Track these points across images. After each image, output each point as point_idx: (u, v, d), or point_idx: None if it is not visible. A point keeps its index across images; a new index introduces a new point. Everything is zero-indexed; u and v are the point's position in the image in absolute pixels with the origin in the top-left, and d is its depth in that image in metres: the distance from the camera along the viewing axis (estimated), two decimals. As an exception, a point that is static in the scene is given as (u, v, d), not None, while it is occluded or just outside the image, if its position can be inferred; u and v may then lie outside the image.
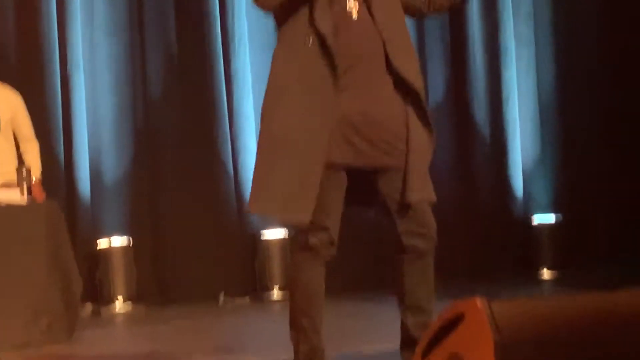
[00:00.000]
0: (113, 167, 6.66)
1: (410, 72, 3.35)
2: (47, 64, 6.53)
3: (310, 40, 3.24)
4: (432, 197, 3.33)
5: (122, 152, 6.67)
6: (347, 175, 3.33)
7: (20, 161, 5.71)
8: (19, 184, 5.31)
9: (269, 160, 3.29)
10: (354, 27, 3.30)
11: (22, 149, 5.74)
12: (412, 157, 3.30)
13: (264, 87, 6.63)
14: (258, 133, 6.52)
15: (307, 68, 3.26)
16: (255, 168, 3.33)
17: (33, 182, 5.55)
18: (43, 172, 5.80)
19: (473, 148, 7.18)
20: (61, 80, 6.53)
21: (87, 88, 6.58)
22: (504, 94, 7.15)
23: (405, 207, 3.30)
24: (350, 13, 3.32)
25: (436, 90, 7.05)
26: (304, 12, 3.28)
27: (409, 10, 3.50)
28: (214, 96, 6.75)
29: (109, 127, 6.66)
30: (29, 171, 5.41)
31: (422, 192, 3.30)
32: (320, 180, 3.22)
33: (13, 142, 5.72)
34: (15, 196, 5.29)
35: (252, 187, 3.34)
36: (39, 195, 5.56)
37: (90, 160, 6.59)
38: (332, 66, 3.24)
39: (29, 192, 5.34)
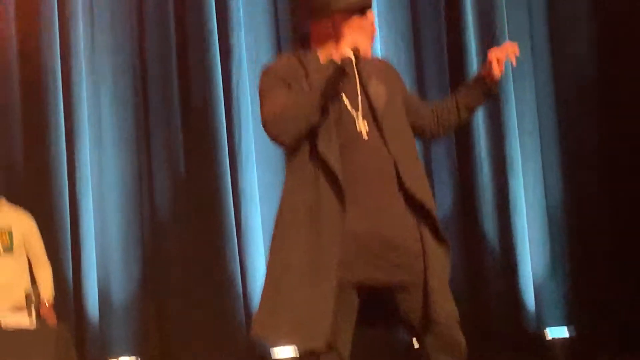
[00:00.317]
0: (121, 287, 6.64)
1: (422, 191, 3.37)
2: (56, 184, 6.56)
3: (316, 169, 3.27)
4: (457, 314, 3.32)
5: (130, 272, 6.66)
6: (359, 296, 3.32)
7: (33, 283, 5.72)
8: (28, 308, 5.30)
9: (277, 286, 3.28)
10: (364, 147, 3.32)
11: (34, 271, 5.77)
12: (430, 273, 3.29)
13: (271, 202, 6.76)
14: (267, 251, 6.58)
15: (315, 193, 3.27)
16: (262, 292, 3.31)
17: (45, 305, 5.56)
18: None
19: (482, 260, 7.14)
20: (69, 201, 6.56)
21: (95, 208, 6.60)
22: (512, 205, 7.15)
23: (431, 323, 3.28)
24: (360, 133, 3.35)
25: (443, 203, 7.05)
26: (312, 136, 3.31)
27: (416, 131, 3.54)
28: (222, 213, 6.76)
29: (117, 247, 6.67)
30: (38, 295, 5.42)
31: (447, 309, 3.29)
32: (334, 304, 3.20)
33: (25, 265, 5.77)
34: (24, 320, 5.27)
35: (258, 312, 3.31)
36: (51, 318, 5.58)
37: (99, 281, 6.57)
38: (339, 188, 3.25)
39: (39, 315, 5.33)
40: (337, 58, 3.28)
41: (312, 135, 3.29)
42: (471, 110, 3.60)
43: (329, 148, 3.28)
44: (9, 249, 5.72)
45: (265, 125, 3.29)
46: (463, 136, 7.15)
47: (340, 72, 3.26)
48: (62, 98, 6.63)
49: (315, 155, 3.28)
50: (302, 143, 3.29)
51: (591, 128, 7.32)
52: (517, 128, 7.17)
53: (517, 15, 7.34)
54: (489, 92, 3.54)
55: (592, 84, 7.35)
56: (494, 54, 3.45)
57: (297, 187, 3.33)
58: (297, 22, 3.46)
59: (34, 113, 6.66)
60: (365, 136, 3.33)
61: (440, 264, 3.33)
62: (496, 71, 3.44)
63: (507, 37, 7.17)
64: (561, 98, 7.38)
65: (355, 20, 3.40)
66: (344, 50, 3.26)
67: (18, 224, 5.77)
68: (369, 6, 3.45)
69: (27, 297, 5.33)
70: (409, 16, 7.11)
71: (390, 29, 6.98)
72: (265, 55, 6.93)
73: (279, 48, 6.92)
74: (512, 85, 7.17)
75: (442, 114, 3.56)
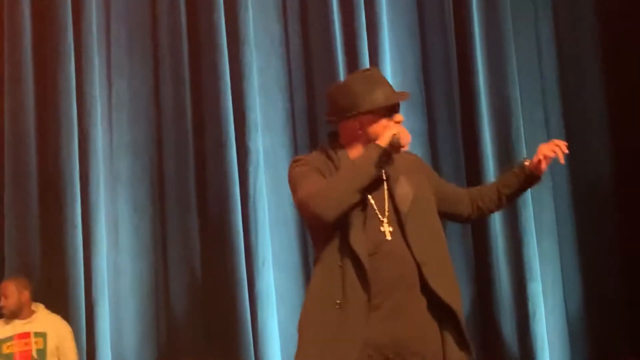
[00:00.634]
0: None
1: (447, 291, 3.35)
2: (73, 289, 6.54)
3: (345, 262, 3.27)
4: None
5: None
6: None
7: None
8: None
9: None
10: (388, 248, 3.33)
11: None
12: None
13: (287, 306, 6.70)
14: (284, 355, 6.50)
15: (342, 289, 3.28)
16: None
17: None
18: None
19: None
20: (86, 307, 6.53)
21: (111, 314, 6.57)
22: (530, 310, 7.07)
23: None
24: (384, 234, 3.35)
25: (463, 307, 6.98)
26: (341, 231, 3.32)
27: (451, 217, 3.57)
28: (237, 317, 6.71)
29: (132, 354, 6.61)
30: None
31: None
32: None
33: None
34: None
35: None
36: None
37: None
38: (366, 287, 3.24)
39: None
40: (382, 142, 3.35)
41: (343, 227, 3.32)
42: (512, 198, 3.70)
43: (359, 242, 3.31)
44: (42, 353, 5.76)
45: (305, 203, 3.30)
46: (480, 239, 7.13)
47: (385, 154, 3.34)
48: (80, 201, 6.64)
49: (344, 249, 3.31)
50: (335, 235, 3.31)
51: (609, 229, 7.29)
52: (534, 231, 7.14)
53: (533, 114, 7.38)
54: (533, 183, 3.65)
55: (608, 184, 7.35)
56: (542, 150, 3.55)
57: (325, 278, 3.33)
58: (324, 121, 3.53)
59: (52, 216, 6.67)
60: (388, 236, 3.35)
61: None
62: (543, 167, 3.56)
63: (524, 136, 7.20)
64: (579, 199, 7.38)
65: (383, 122, 3.43)
66: (390, 134, 3.36)
67: (53, 330, 5.89)
68: (397, 109, 3.49)
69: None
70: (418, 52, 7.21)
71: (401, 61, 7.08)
72: (282, 157, 6.97)
73: (295, 151, 6.96)
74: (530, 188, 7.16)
75: (481, 201, 3.64)
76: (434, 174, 3.63)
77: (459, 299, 3.40)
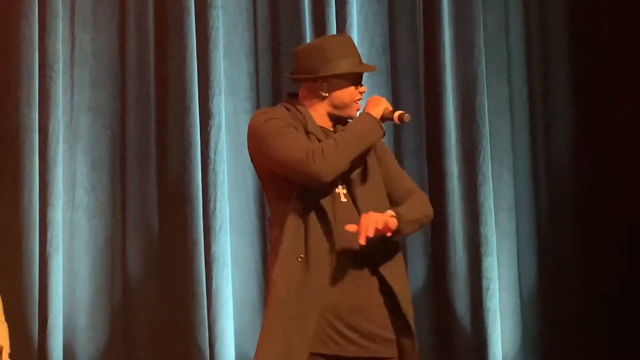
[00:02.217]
0: (87, 351, 6.56)
1: (389, 267, 3.40)
2: (26, 242, 6.50)
3: (309, 219, 3.33)
4: None
5: (96, 336, 6.59)
6: None
7: None
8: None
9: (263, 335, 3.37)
10: (343, 210, 3.36)
11: None
12: (406, 346, 3.31)
13: (243, 269, 6.70)
14: (236, 318, 6.52)
15: (305, 245, 3.37)
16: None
17: None
18: (16, 352, 5.73)
19: (452, 339, 7.11)
20: (40, 261, 6.50)
21: (64, 270, 6.54)
22: (484, 284, 7.12)
23: None
24: (339, 195, 3.38)
25: (416, 279, 7.02)
26: (305, 189, 3.35)
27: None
28: (193, 280, 6.71)
29: (85, 311, 6.60)
30: (1, 352, 5.37)
31: None
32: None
33: None
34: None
35: None
36: None
37: (65, 343, 6.49)
38: (331, 243, 3.27)
39: None
40: (375, 113, 3.45)
41: (305, 188, 3.37)
42: None
43: (325, 199, 3.38)
44: None
45: (301, 161, 3.34)
46: (438, 212, 7.15)
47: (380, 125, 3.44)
48: (38, 156, 6.59)
49: (309, 206, 3.37)
50: (299, 192, 3.32)
51: (568, 208, 7.35)
52: (493, 206, 7.18)
53: (498, 90, 7.40)
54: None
55: (569, 163, 7.39)
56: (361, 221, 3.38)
57: (289, 233, 3.38)
58: (285, 80, 3.55)
59: (8, 170, 6.61)
60: (343, 198, 3.37)
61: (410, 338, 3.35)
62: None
63: (487, 112, 7.22)
64: (539, 177, 7.42)
65: (351, 89, 3.46)
66: (383, 107, 3.50)
67: None
68: (361, 79, 3.59)
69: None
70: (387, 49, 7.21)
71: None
72: (244, 122, 6.94)
73: (258, 115, 6.93)
74: (490, 164, 7.20)
75: None
76: (387, 154, 3.64)
77: (404, 278, 3.44)
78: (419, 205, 3.52)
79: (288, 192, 3.34)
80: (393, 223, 3.31)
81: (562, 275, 7.28)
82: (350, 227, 3.26)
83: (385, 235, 3.32)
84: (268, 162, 3.36)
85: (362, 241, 3.22)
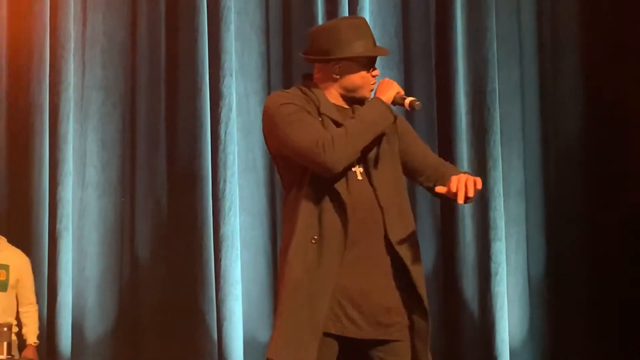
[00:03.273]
0: (95, 328, 6.60)
1: (406, 246, 3.40)
2: (36, 221, 6.53)
3: (323, 200, 3.33)
4: None
5: (105, 314, 6.62)
6: (340, 348, 3.38)
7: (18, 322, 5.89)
8: (0, 341, 5.33)
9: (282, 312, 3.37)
10: (359, 188, 3.36)
11: (22, 311, 5.88)
12: (418, 335, 3.32)
13: (252, 249, 6.71)
14: (244, 298, 6.52)
15: (319, 226, 3.35)
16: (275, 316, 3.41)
17: (31, 346, 5.81)
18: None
19: (460, 322, 7.12)
20: (49, 239, 6.52)
21: (74, 248, 6.56)
22: (493, 269, 7.12)
23: None
24: (356, 174, 3.39)
25: (425, 262, 7.01)
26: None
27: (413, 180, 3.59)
28: (202, 260, 6.72)
29: (94, 289, 6.63)
30: (9, 329, 5.45)
31: None
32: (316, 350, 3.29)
33: (15, 304, 5.81)
34: (-2, 353, 5.30)
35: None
36: (35, 359, 5.66)
37: (73, 321, 6.52)
38: (345, 224, 3.26)
39: (9, 351, 5.34)
40: (386, 98, 3.44)
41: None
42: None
43: (339, 184, 3.38)
44: (4, 285, 5.79)
45: (311, 151, 3.33)
46: (448, 197, 7.14)
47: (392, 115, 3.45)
48: (48, 135, 6.60)
49: (323, 186, 3.36)
50: (306, 176, 3.32)
51: (577, 193, 7.34)
52: (502, 191, 7.17)
53: (509, 75, 7.38)
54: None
55: (580, 148, 7.38)
56: (451, 185, 3.37)
57: (303, 214, 3.38)
58: (297, 60, 3.54)
59: (19, 148, 6.63)
60: (360, 177, 3.38)
61: (422, 323, 3.36)
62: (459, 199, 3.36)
63: (498, 97, 7.21)
64: (548, 162, 7.41)
65: (362, 73, 3.46)
66: (394, 92, 3.47)
67: (16, 264, 5.91)
68: (374, 63, 3.56)
69: (-1, 327, 5.39)
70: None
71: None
72: (255, 103, 6.95)
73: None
74: (501, 148, 7.18)
75: (438, 181, 3.57)
76: (410, 133, 3.64)
77: (418, 256, 3.45)
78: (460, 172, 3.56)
79: (301, 174, 3.34)
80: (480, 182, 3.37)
81: (570, 260, 7.28)
82: (441, 189, 3.29)
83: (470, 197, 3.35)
84: (281, 147, 3.36)
85: (462, 201, 3.25)
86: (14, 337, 5.85)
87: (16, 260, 5.92)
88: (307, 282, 3.30)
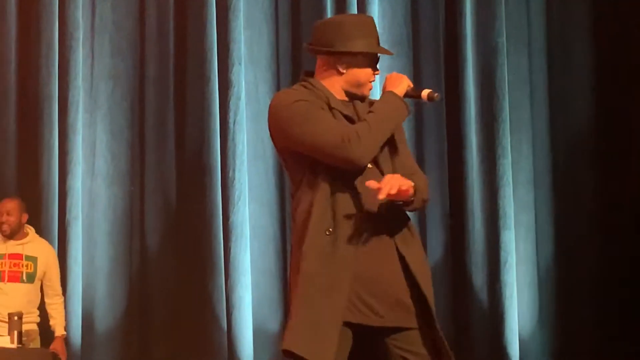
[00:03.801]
0: (105, 317, 6.61)
1: (410, 248, 3.41)
2: (46, 211, 6.54)
3: (336, 190, 3.34)
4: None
5: (115, 303, 6.64)
6: (354, 337, 3.38)
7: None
8: (10, 332, 5.34)
9: (300, 303, 3.36)
10: (369, 176, 3.37)
11: (49, 303, 5.91)
12: (426, 321, 3.37)
13: (261, 239, 6.71)
14: (253, 288, 6.51)
15: (333, 217, 3.35)
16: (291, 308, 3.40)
17: (59, 338, 5.89)
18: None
19: (469, 310, 7.12)
20: (59, 228, 6.54)
21: (84, 237, 6.58)
22: (502, 257, 7.12)
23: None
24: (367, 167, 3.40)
25: (434, 251, 7.03)
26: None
27: None
28: (211, 249, 6.73)
29: (103, 278, 6.65)
30: (20, 318, 5.46)
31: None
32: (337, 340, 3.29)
33: (39, 295, 5.84)
34: (5, 344, 5.30)
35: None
36: (62, 352, 5.71)
37: (83, 310, 6.54)
38: (359, 213, 3.31)
39: (19, 339, 5.35)
40: (399, 91, 3.44)
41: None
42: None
43: (354, 176, 3.37)
44: (31, 277, 5.83)
45: (336, 146, 3.31)
46: (456, 185, 7.15)
47: (407, 107, 3.44)
48: (58, 124, 6.61)
49: (336, 176, 3.35)
50: (319, 172, 3.35)
51: (586, 181, 7.33)
52: (511, 180, 7.16)
53: (518, 63, 7.37)
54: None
55: (588, 136, 7.37)
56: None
57: (318, 206, 3.37)
58: (304, 50, 3.51)
59: (29, 139, 6.64)
60: (369, 164, 3.39)
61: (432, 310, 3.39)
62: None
63: (508, 85, 7.20)
64: (558, 151, 7.40)
65: (368, 70, 3.47)
66: (406, 84, 3.45)
67: (44, 256, 5.95)
68: (377, 63, 3.56)
69: (10, 317, 5.39)
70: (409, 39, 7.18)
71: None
72: (264, 92, 6.94)
73: (278, 85, 6.93)
74: (510, 137, 7.17)
75: None
76: (402, 134, 3.65)
77: (419, 248, 3.46)
78: (424, 187, 3.53)
79: (312, 168, 3.33)
80: (412, 193, 3.33)
81: (580, 249, 7.28)
82: (372, 184, 3.28)
83: (402, 202, 3.34)
84: (296, 145, 3.33)
85: (382, 196, 3.25)
86: (35, 327, 5.88)
87: (44, 252, 5.96)
88: (324, 274, 3.31)
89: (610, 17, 7.35)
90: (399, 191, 3.29)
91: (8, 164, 6.61)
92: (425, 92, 3.50)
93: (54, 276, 5.98)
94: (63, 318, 5.99)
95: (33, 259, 5.89)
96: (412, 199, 3.38)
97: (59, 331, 5.93)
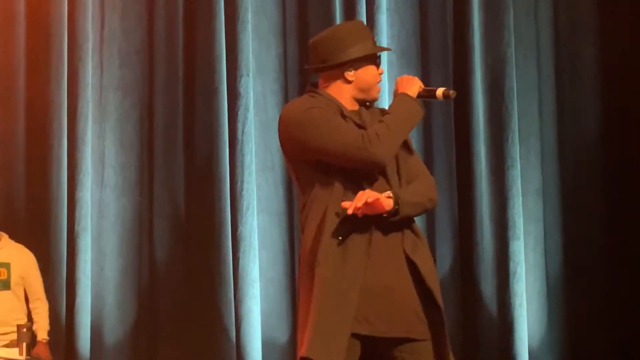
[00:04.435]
0: (114, 329, 6.61)
1: (418, 252, 3.42)
2: (55, 222, 6.55)
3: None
4: None
5: (124, 315, 6.64)
6: (362, 348, 3.41)
7: (29, 319, 5.77)
8: (19, 344, 5.33)
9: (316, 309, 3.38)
10: (379, 185, 3.38)
11: (31, 308, 5.86)
12: (436, 329, 3.32)
13: (270, 249, 6.71)
14: (262, 298, 6.50)
15: (343, 226, 3.36)
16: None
17: (42, 343, 5.64)
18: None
19: (478, 320, 7.10)
20: (68, 239, 6.54)
21: (93, 249, 6.58)
22: (511, 267, 7.11)
23: None
24: (373, 172, 3.42)
25: (443, 261, 7.02)
26: (342, 170, 3.41)
27: None
28: (220, 260, 6.73)
29: (112, 289, 6.65)
30: (30, 329, 5.45)
31: None
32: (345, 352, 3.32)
33: (23, 301, 5.81)
34: (14, 355, 5.28)
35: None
36: (46, 356, 5.63)
37: (92, 322, 6.53)
38: (370, 224, 3.28)
39: (28, 351, 5.34)
40: (412, 92, 3.50)
41: (344, 173, 3.41)
42: None
43: (366, 184, 3.43)
44: (5, 284, 5.76)
45: (358, 147, 3.36)
46: (465, 195, 7.14)
47: (421, 108, 3.51)
48: (67, 135, 6.62)
49: (347, 186, 3.40)
50: (335, 175, 3.35)
51: (595, 190, 7.32)
52: (520, 190, 7.15)
53: (527, 73, 7.37)
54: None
55: (597, 146, 7.36)
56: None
57: (330, 216, 3.40)
58: (309, 68, 3.53)
59: (38, 149, 6.66)
60: (377, 175, 3.41)
61: (441, 322, 3.38)
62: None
63: (516, 95, 7.20)
64: (566, 160, 7.39)
65: (374, 70, 3.49)
66: (418, 85, 3.53)
67: (18, 260, 5.86)
68: (380, 63, 3.63)
69: (19, 329, 5.38)
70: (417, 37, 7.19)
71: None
72: (272, 103, 6.95)
73: (286, 97, 6.94)
74: (519, 147, 7.17)
75: None
76: (409, 140, 3.67)
77: (429, 258, 3.47)
78: (423, 189, 3.52)
79: (324, 179, 3.35)
80: (387, 204, 3.33)
81: (589, 258, 7.26)
82: (345, 204, 3.31)
83: (381, 214, 3.35)
84: (314, 152, 3.35)
85: (350, 211, 3.27)
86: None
87: (18, 257, 5.87)
88: (335, 284, 3.32)
89: (618, 27, 7.35)
90: (369, 204, 3.30)
91: (17, 175, 6.62)
92: (440, 90, 3.53)
93: (34, 281, 5.89)
94: (46, 322, 5.90)
95: (6, 265, 5.83)
96: (391, 209, 3.37)
97: (42, 335, 5.84)
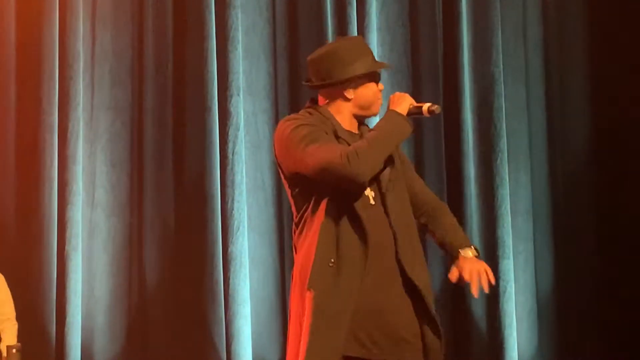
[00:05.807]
0: (105, 349, 6.58)
1: (417, 270, 3.42)
2: (46, 241, 6.52)
3: (342, 223, 3.35)
4: None
5: (114, 335, 6.60)
6: None
7: None
8: (2, 362, 5.30)
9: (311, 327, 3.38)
10: (372, 213, 3.36)
11: (0, 328, 5.74)
12: (432, 355, 3.32)
13: (260, 269, 6.70)
14: (253, 318, 6.47)
15: (336, 250, 3.38)
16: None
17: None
18: (34, 352, 5.77)
19: (469, 341, 7.10)
20: (57, 259, 6.51)
21: (83, 269, 6.55)
22: (501, 287, 7.11)
23: None
24: (368, 198, 3.39)
25: (433, 282, 7.01)
26: (336, 193, 3.38)
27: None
28: (210, 280, 6.72)
29: (103, 310, 6.61)
30: (19, 351, 5.38)
31: None
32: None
33: None
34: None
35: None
36: None
37: (83, 341, 6.50)
38: (365, 248, 3.27)
39: None
40: (402, 110, 3.48)
41: (338, 190, 3.38)
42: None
43: (358, 205, 3.41)
44: None
45: (339, 164, 3.34)
46: (455, 215, 7.12)
47: (409, 126, 3.50)
48: (57, 155, 6.60)
49: (341, 209, 3.39)
50: (329, 196, 3.33)
51: (584, 210, 7.34)
52: (509, 209, 7.17)
53: (516, 92, 7.39)
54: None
55: (586, 165, 7.39)
56: (465, 270, 3.58)
57: (322, 237, 3.41)
58: (308, 85, 3.52)
59: (28, 168, 6.63)
60: (372, 201, 3.38)
61: (437, 345, 3.37)
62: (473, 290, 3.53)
63: (505, 115, 7.22)
64: (556, 179, 7.41)
65: (373, 87, 3.50)
66: (409, 102, 3.51)
67: None
68: (379, 79, 3.63)
69: (8, 350, 5.30)
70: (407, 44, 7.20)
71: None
72: (263, 122, 6.95)
73: (276, 116, 6.94)
74: (507, 166, 7.19)
75: (430, 225, 3.76)
76: (410, 165, 3.67)
77: (427, 281, 3.46)
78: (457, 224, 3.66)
79: (319, 198, 3.35)
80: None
81: (579, 278, 7.28)
82: (453, 274, 3.37)
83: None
84: (300, 168, 3.35)
85: (477, 294, 3.34)
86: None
87: None
88: (328, 306, 3.31)
89: (608, 46, 7.39)
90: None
91: (8, 194, 6.59)
92: (425, 107, 3.52)
93: (3, 300, 5.72)
94: (14, 343, 5.80)
95: None
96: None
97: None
